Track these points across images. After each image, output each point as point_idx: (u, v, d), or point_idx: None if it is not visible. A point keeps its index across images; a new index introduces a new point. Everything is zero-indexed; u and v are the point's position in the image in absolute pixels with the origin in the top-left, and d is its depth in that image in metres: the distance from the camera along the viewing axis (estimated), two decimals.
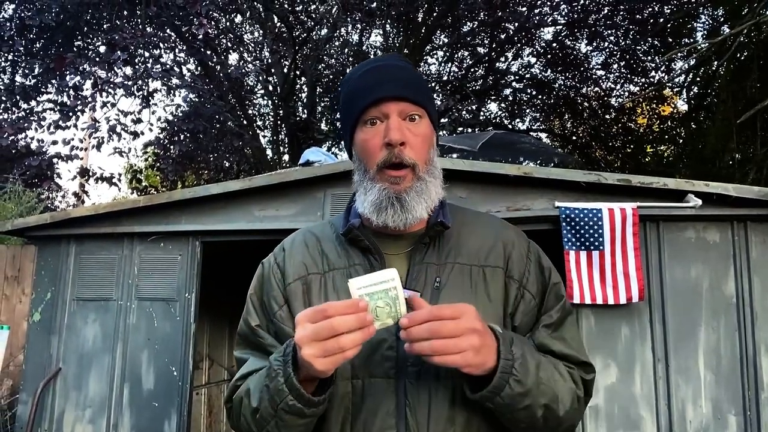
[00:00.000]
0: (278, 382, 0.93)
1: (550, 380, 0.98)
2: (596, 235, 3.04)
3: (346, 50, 11.32)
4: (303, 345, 0.87)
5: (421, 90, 1.11)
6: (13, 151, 8.12)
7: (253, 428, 1.01)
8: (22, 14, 7.76)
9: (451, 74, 11.99)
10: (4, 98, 8.50)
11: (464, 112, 11.32)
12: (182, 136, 8.85)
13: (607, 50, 11.07)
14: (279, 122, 11.39)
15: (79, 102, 7.63)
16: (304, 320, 0.89)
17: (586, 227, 3.05)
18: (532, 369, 0.95)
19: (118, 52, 7.02)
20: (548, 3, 10.16)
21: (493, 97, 12.21)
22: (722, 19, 8.48)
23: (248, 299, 1.17)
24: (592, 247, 3.05)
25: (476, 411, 1.02)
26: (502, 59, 11.71)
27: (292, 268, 1.13)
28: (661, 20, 9.39)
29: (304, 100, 11.30)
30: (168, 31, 8.96)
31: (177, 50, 9.66)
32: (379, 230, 1.11)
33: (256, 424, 1.00)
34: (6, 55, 8.53)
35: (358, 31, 11.14)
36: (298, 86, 11.29)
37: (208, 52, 9.12)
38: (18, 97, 8.32)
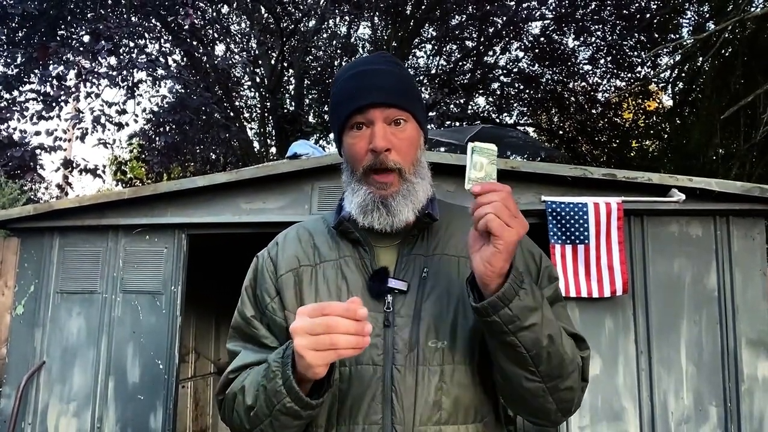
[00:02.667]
0: (276, 384, 0.94)
1: (555, 319, 0.99)
2: (581, 229, 3.07)
3: (334, 42, 11.26)
4: (296, 335, 0.88)
5: (407, 93, 1.12)
6: None
7: (246, 425, 1.02)
8: (4, 2, 7.62)
9: (439, 68, 11.99)
10: None
11: (452, 106, 11.33)
12: (168, 128, 8.75)
13: (594, 45, 11.12)
14: (266, 114, 11.32)
15: (62, 92, 7.51)
16: (303, 313, 0.90)
17: (572, 221, 3.08)
18: (539, 295, 0.97)
19: (103, 41, 6.93)
20: None
21: (480, 91, 12.22)
22: (707, 16, 8.56)
23: (243, 291, 1.19)
24: (577, 241, 3.08)
25: (463, 397, 1.04)
26: (490, 53, 11.72)
27: (284, 260, 1.15)
28: (648, 16, 9.45)
29: (292, 93, 11.23)
30: (153, 20, 8.84)
31: (162, 40, 9.54)
32: None
33: (249, 421, 1.01)
34: None
35: (346, 23, 11.09)
36: (285, 78, 11.22)
37: (195, 43, 9.03)
38: (0, 87, 8.17)
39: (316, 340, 0.86)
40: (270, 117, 11.08)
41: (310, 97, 11.68)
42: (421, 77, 11.53)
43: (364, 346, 0.87)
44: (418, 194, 1.10)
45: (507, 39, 11.26)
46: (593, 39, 10.97)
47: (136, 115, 9.09)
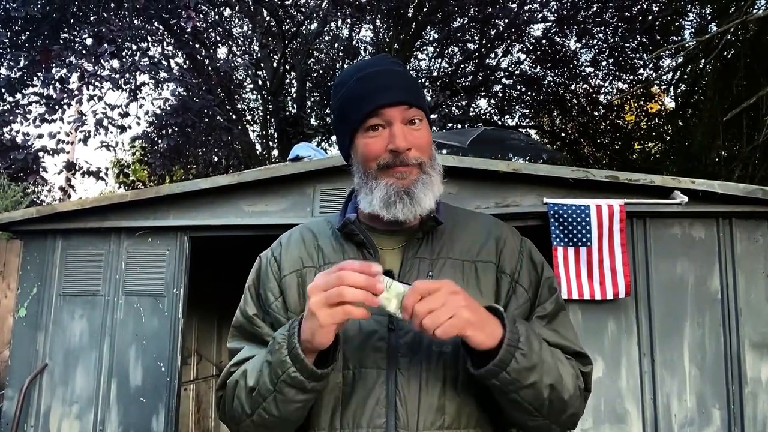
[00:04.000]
0: (281, 354, 0.94)
1: (553, 361, 0.99)
2: (584, 231, 3.07)
3: (336, 45, 11.28)
4: (312, 294, 0.90)
5: (418, 92, 1.13)
6: None
7: (247, 409, 1.01)
8: (7, 5, 7.64)
9: (441, 70, 12.00)
10: None
11: (454, 108, 11.32)
12: (170, 131, 8.77)
13: (596, 47, 11.12)
14: (268, 117, 11.33)
15: (65, 95, 7.53)
16: (320, 276, 0.91)
17: (574, 223, 3.07)
18: (536, 347, 0.96)
19: (105, 44, 6.94)
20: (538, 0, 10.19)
21: (482, 93, 12.22)
22: (710, 18, 8.54)
23: (246, 290, 1.19)
24: (579, 243, 3.08)
25: (467, 401, 1.04)
26: (492, 55, 11.72)
27: (288, 261, 1.15)
28: (650, 18, 9.44)
29: (294, 95, 11.25)
30: (156, 23, 8.87)
31: (165, 43, 9.57)
32: (374, 226, 1.14)
33: (250, 403, 1.01)
34: None
35: (348, 26, 11.10)
36: (287, 81, 11.24)
37: (197, 46, 9.04)
38: (3, 90, 8.20)
39: (327, 295, 0.87)
40: (272, 119, 11.09)
41: (312, 99, 11.69)
42: (423, 79, 11.53)
43: (372, 304, 0.88)
44: (434, 185, 1.10)
45: (509, 41, 11.26)
46: (595, 41, 10.97)
47: (139, 118, 9.13)
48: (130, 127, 8.67)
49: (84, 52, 7.67)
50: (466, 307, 0.90)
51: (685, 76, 8.34)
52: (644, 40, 10.22)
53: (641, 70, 11.10)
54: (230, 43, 10.90)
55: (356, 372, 1.03)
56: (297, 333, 0.93)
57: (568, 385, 1.01)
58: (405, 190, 1.07)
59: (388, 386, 1.02)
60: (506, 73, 12.08)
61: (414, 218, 1.08)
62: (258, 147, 11.53)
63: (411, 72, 1.22)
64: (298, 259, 1.15)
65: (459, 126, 10.62)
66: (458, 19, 10.72)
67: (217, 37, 10.33)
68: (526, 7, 10.01)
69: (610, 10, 10.04)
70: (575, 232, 3.08)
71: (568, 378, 1.01)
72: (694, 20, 9.41)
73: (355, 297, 0.87)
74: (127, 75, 7.80)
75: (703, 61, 7.40)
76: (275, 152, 10.84)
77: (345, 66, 10.98)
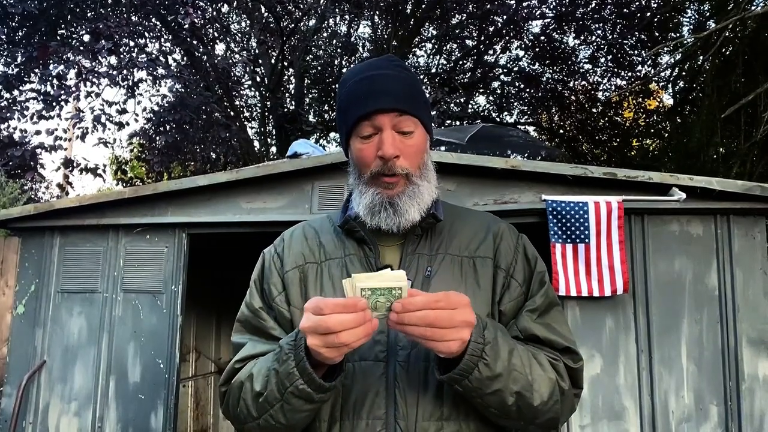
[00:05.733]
0: (288, 366, 0.95)
1: (524, 368, 0.99)
2: (582, 228, 3.07)
3: (334, 42, 11.26)
4: (307, 335, 0.91)
5: (414, 98, 1.13)
6: None
7: (253, 412, 1.02)
8: (4, 2, 7.62)
9: (440, 67, 11.99)
10: None
11: (452, 105, 11.32)
12: (168, 127, 8.75)
13: (595, 44, 11.12)
14: (266, 114, 11.32)
15: (62, 92, 7.52)
16: (308, 310, 0.92)
17: (573, 220, 3.08)
18: (504, 354, 0.97)
19: (103, 41, 6.93)
20: None
21: (481, 90, 12.22)
22: (708, 14, 8.55)
23: (251, 284, 1.21)
24: (578, 240, 3.08)
25: None
26: (491, 52, 11.72)
27: (290, 257, 1.17)
28: (648, 14, 9.45)
29: (292, 92, 11.23)
30: (153, 20, 8.85)
31: (163, 40, 9.55)
32: None
33: (257, 408, 1.02)
34: None
35: (346, 22, 11.08)
36: (285, 77, 11.22)
37: (195, 42, 9.02)
38: (0, 87, 8.17)
39: (325, 340, 0.89)
40: (270, 116, 11.08)
41: (310, 96, 11.68)
42: (422, 76, 11.52)
43: (372, 330, 0.90)
44: (423, 195, 1.12)
45: (507, 38, 11.26)
46: (593, 38, 10.97)
47: (137, 115, 9.16)
48: (128, 124, 8.68)
49: (81, 48, 7.66)
50: (464, 342, 0.92)
51: (684, 73, 8.35)
52: (643, 36, 10.22)
53: (639, 67, 11.10)
54: (228, 39, 10.88)
55: (356, 364, 1.05)
56: (304, 345, 0.94)
57: (542, 392, 1.01)
58: (390, 201, 1.10)
59: (387, 378, 1.04)
60: (505, 70, 12.07)
61: (397, 229, 1.10)
62: (256, 144, 11.52)
63: (414, 73, 1.20)
64: (300, 254, 1.17)
65: (457, 123, 10.62)
66: (457, 16, 10.72)
67: (215, 34, 10.31)
68: (524, 4, 10.00)
69: (609, 7, 10.05)
70: (573, 229, 3.08)
71: (543, 385, 1.01)
72: (693, 17, 9.42)
73: (356, 336, 0.88)
74: (125, 71, 7.79)
75: (701, 58, 7.41)
76: (273, 149, 10.83)
77: (343, 62, 10.97)
